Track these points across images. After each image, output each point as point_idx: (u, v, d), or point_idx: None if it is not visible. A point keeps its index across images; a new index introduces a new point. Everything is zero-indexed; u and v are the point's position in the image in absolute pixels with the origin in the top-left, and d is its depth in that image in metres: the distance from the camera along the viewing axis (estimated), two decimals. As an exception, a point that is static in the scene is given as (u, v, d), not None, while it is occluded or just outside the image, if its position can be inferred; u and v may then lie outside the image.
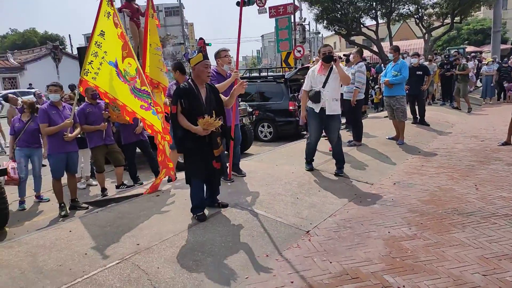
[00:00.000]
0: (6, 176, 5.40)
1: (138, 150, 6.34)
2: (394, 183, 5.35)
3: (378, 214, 4.30)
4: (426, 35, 20.53)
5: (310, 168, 5.72)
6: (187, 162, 4.03)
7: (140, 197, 4.94)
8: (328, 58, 5.31)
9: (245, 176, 5.40)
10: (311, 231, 3.91)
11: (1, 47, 47.15)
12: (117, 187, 6.07)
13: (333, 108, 5.42)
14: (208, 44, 35.78)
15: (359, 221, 4.12)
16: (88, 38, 5.28)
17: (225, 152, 5.07)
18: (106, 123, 5.86)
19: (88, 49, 4.97)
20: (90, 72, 4.93)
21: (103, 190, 6.00)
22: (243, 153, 8.23)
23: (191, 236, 3.66)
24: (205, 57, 3.92)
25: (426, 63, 11.46)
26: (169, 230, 3.78)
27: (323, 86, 5.35)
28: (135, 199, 4.91)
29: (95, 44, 4.94)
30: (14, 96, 9.03)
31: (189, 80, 3.97)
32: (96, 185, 6.53)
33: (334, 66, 5.36)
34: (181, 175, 6.11)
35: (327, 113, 5.40)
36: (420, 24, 20.80)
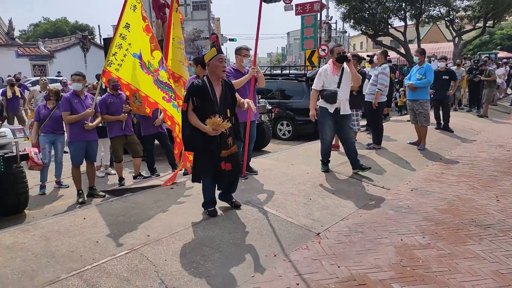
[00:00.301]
0: (30, 161, 5.55)
1: (156, 142, 6.43)
2: (411, 190, 5.23)
3: (392, 221, 4.21)
4: (456, 38, 19.98)
5: (326, 170, 5.66)
6: (195, 160, 4.01)
7: (155, 189, 5.00)
8: (343, 58, 5.26)
9: (256, 174, 5.40)
10: (321, 233, 3.87)
11: (33, 35, 48.60)
12: (134, 177, 6.16)
13: (346, 108, 5.47)
14: (233, 40, 35.84)
15: (371, 227, 4.05)
16: (117, 29, 5.38)
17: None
18: (126, 114, 5.96)
19: (113, 41, 5.07)
20: (114, 64, 5.03)
21: (121, 179, 6.11)
22: (261, 150, 8.23)
23: (200, 231, 3.69)
24: (219, 51, 3.79)
25: (454, 68, 11.15)
26: (180, 224, 3.81)
27: (338, 86, 5.31)
28: (150, 190, 4.97)
29: (119, 36, 5.04)
30: (46, 81, 9.21)
31: (204, 77, 3.85)
32: (115, 174, 6.65)
33: (345, 66, 5.34)
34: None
35: (341, 113, 5.40)
36: (450, 27, 20.25)
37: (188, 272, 3.06)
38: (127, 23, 5.07)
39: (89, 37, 32.44)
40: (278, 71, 11.83)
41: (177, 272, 3.05)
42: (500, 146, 7.88)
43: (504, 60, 20.39)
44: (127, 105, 5.98)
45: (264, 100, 8.92)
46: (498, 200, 4.81)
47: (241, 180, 5.07)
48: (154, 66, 5.15)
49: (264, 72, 11.79)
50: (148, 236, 3.55)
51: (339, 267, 3.24)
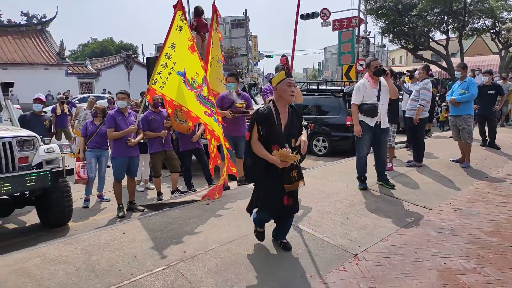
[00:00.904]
0: (76, 176, 5.82)
1: (194, 158, 6.56)
2: (455, 210, 4.99)
3: (434, 243, 4.02)
4: (503, 51, 19.12)
5: (364, 187, 5.53)
6: (254, 192, 3.67)
7: (192, 204, 5.08)
8: (380, 72, 5.31)
9: None
10: (359, 254, 3.75)
11: (82, 54, 51.50)
12: (172, 192, 6.30)
13: (386, 121, 5.50)
14: (270, 56, 36.15)
15: (412, 248, 3.89)
16: (159, 48, 5.63)
17: None
18: (166, 131, 6.14)
19: (158, 60, 5.28)
20: (158, 82, 5.23)
21: (159, 194, 6.26)
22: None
23: (235, 248, 3.69)
24: (288, 74, 3.47)
25: (500, 82, 10.64)
26: (215, 240, 3.84)
27: (377, 100, 5.32)
28: (187, 205, 5.06)
29: (165, 55, 5.26)
30: (94, 99, 9.60)
31: (270, 104, 3.51)
32: (153, 188, 6.83)
33: (381, 79, 5.38)
34: (233, 184, 6.21)
35: (382, 126, 5.42)
36: (496, 39, 19.43)
37: (222, 290, 3.05)
38: (172, 43, 5.30)
39: (132, 56, 33.87)
40: (314, 87, 11.77)
41: (211, 290, 3.05)
42: (554, 165, 7.38)
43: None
44: (168, 121, 6.16)
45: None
46: (552, 223, 4.49)
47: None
48: (198, 82, 5.38)
49: (301, 87, 11.80)
50: (184, 252, 3.60)
51: (377, 290, 3.13)
